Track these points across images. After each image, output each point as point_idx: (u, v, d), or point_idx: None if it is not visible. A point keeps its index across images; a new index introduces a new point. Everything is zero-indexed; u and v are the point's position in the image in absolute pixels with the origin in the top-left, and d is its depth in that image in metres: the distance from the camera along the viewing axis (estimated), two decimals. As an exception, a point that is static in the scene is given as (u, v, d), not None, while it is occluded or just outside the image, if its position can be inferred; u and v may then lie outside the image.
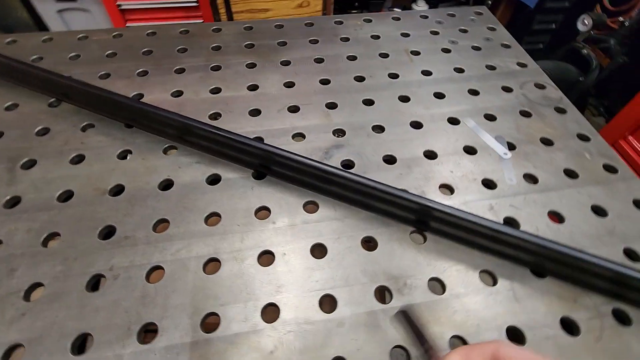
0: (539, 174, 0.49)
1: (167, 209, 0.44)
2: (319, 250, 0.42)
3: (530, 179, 0.49)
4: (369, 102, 0.58)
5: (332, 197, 0.46)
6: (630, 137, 1.18)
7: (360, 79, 0.62)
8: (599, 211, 0.46)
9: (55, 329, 0.35)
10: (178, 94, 0.58)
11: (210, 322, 0.37)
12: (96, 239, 0.42)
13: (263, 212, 0.45)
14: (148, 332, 0.36)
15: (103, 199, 0.45)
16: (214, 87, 0.59)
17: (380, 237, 0.43)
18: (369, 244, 0.43)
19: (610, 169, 0.50)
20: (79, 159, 0.49)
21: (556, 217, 0.45)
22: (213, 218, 0.44)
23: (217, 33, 0.69)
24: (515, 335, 0.37)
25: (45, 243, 0.41)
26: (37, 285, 0.38)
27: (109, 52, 0.64)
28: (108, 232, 0.43)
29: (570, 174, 0.49)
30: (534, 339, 0.36)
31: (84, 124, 0.53)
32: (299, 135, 0.53)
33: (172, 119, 0.48)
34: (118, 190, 0.46)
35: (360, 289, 0.39)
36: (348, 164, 0.50)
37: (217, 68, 0.62)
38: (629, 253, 0.42)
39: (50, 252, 0.40)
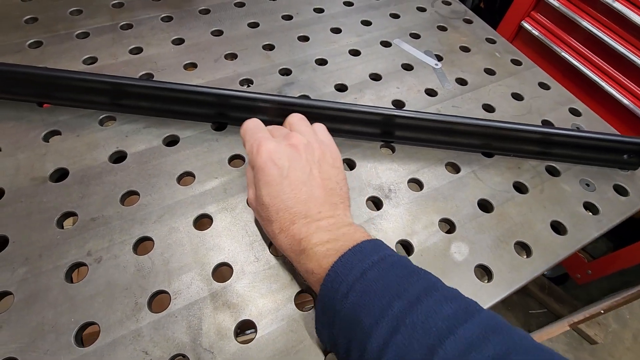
0: (467, 76, 0.56)
1: (130, 180, 0.40)
2: (304, 181, 0.43)
3: (461, 81, 0.55)
4: (304, 39, 0.58)
5: (300, 131, 0.46)
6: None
7: (287, 17, 0.61)
8: (517, 97, 0.54)
9: (47, 329, 0.31)
10: (92, 60, 0.50)
11: (221, 273, 0.36)
12: (56, 229, 0.36)
13: (236, 160, 0.44)
14: (161, 300, 0.34)
15: (46, 186, 0.39)
16: (133, 47, 0.52)
17: (355, 156, 0.45)
18: (348, 164, 0.45)
19: (516, 62, 0.59)
20: (-8, 152, 0.41)
21: (489, 108, 0.53)
22: (186, 178, 0.42)
23: (111, -11, 0.60)
24: (484, 206, 0.43)
25: (-9, 250, 0.35)
26: (3, 294, 0.32)
27: (-23, 25, 0.52)
28: (68, 220, 0.38)
29: (489, 71, 0.57)
30: (498, 204, 0.43)
31: (-19, 112, 0.43)
32: (247, 81, 0.51)
33: (100, 82, 0.42)
34: (61, 174, 0.40)
35: (353, 204, 0.41)
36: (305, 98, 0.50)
37: (128, 27, 0.55)
38: (546, 122, 0.52)
39: (2, 258, 0.34)
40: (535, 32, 1.22)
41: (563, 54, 1.16)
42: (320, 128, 0.38)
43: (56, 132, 0.43)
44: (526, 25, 1.25)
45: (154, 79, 0.49)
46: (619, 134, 0.49)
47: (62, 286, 0.33)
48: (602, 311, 0.97)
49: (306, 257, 0.30)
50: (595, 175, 0.47)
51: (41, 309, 0.32)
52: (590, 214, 0.44)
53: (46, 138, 0.43)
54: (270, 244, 0.37)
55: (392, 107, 0.51)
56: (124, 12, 0.57)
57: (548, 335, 1.05)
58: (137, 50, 0.52)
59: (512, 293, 0.37)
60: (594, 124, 0.53)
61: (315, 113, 0.45)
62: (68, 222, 0.37)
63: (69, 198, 0.38)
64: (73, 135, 0.43)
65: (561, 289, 1.43)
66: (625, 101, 1.05)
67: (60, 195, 0.38)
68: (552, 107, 0.54)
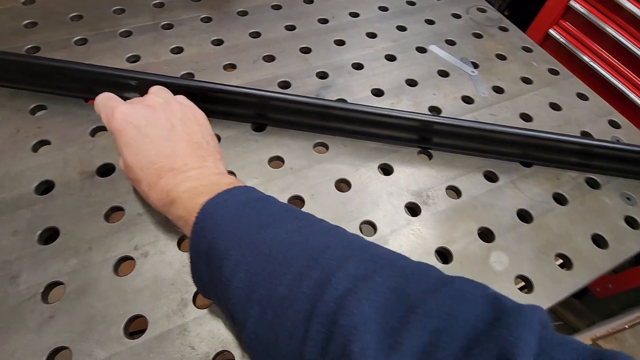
0: (503, 84, 0.55)
1: (173, 178, 0.41)
2: (343, 185, 0.43)
3: (498, 90, 0.55)
4: (340, 43, 0.58)
5: (338, 134, 0.46)
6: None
7: (323, 21, 0.61)
8: (554, 107, 0.54)
9: (97, 321, 0.32)
10: (135, 59, 0.52)
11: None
12: (105, 223, 0.37)
13: (275, 161, 0.44)
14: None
15: (94, 181, 0.40)
16: (174, 46, 0.53)
17: (393, 162, 0.45)
18: (385, 169, 0.45)
19: (553, 72, 0.59)
20: (42, 145, 0.42)
21: (527, 117, 0.52)
22: (226, 177, 0.42)
23: (151, -11, 0.62)
24: (523, 216, 0.43)
25: (43, 241, 0.36)
26: (55, 284, 0.33)
27: (26, 22, 0.53)
28: (116, 215, 0.38)
29: (526, 80, 0.57)
30: (538, 214, 0.43)
31: (31, 106, 0.45)
32: (284, 83, 0.51)
33: (139, 79, 0.43)
34: (107, 169, 0.41)
35: (391, 209, 0.41)
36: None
37: (169, 26, 0.56)
38: (585, 134, 0.51)
39: (54, 248, 0.35)
40: (563, 40, 1.21)
41: (590, 62, 1.14)
42: (180, 96, 0.38)
43: (102, 128, 0.44)
44: (554, 33, 1.24)
45: (195, 79, 0.50)
46: (661, 148, 0.48)
47: (110, 279, 0.34)
48: (627, 327, 0.95)
49: (175, 206, 0.30)
50: (636, 190, 0.46)
51: (91, 300, 0.33)
52: (631, 228, 0.43)
53: (92, 133, 0.44)
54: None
55: (429, 113, 0.50)
56: (164, 12, 0.58)
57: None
58: (178, 50, 0.53)
59: (555, 305, 0.37)
60: (633, 137, 0.52)
61: (353, 117, 0.45)
62: (116, 217, 0.38)
63: (116, 193, 0.39)
64: (118, 131, 0.44)
65: (579, 302, 1.41)
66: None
67: (107, 190, 0.39)
68: (590, 118, 0.53)
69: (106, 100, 0.35)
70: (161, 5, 0.59)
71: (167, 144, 0.32)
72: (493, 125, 0.45)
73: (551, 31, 1.24)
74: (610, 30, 1.06)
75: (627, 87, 1.08)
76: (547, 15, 1.25)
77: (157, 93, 0.36)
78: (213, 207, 0.28)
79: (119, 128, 0.32)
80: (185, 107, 0.36)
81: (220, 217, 0.27)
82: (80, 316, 0.32)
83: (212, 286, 0.28)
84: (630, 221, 0.43)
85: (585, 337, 1.00)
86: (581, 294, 1.43)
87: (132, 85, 0.43)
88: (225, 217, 0.27)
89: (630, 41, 1.03)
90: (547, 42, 1.29)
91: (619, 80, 1.09)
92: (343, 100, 0.50)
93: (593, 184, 0.46)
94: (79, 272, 0.34)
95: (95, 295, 0.33)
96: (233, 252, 0.25)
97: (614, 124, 0.53)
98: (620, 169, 0.46)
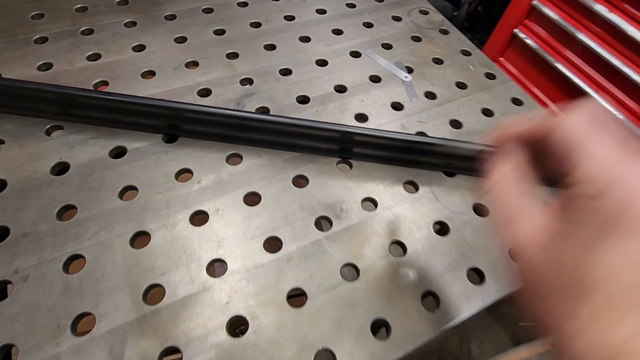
0: (436, 89, 0.54)
1: (69, 194, 0.39)
2: (252, 199, 0.41)
3: (430, 95, 0.53)
4: (270, 47, 0.56)
5: (254, 145, 0.45)
6: (500, 59, 1.36)
7: (256, 25, 0.59)
8: (487, 112, 0.53)
9: (-39, 353, 0.30)
10: (47, 67, 0.49)
11: (154, 295, 0.35)
12: (-14, 244, 0.35)
13: (184, 174, 0.42)
14: (86, 322, 0.32)
15: (-19, 199, 0.38)
16: (91, 53, 0.51)
17: (309, 173, 0.44)
18: (300, 181, 0.43)
19: (490, 76, 0.57)
20: None
21: (456, 124, 0.51)
22: (129, 192, 0.40)
23: (78, -8, 0.59)
24: (440, 228, 0.42)
25: None
26: None
27: None
28: (0, 235, 0.36)
29: (461, 85, 0.55)
30: (455, 226, 0.41)
31: None
32: (205, 91, 0.50)
33: (48, 91, 0.41)
34: (-1, 186, 0.39)
35: (300, 224, 0.40)
36: (263, 111, 0.49)
37: (89, 32, 0.54)
38: (514, 141, 0.50)
39: None
40: (529, 42, 1.20)
41: (557, 65, 1.13)
42: None
43: None
44: (520, 34, 1.23)
45: (108, 87, 0.48)
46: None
47: (-18, 306, 0.32)
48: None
49: None
50: (561, 198, 0.45)
51: (-43, 330, 0.31)
52: (552, 239, 0.42)
53: (-11, 148, 0.41)
54: (209, 265, 0.36)
55: (355, 121, 0.49)
56: (86, 17, 0.55)
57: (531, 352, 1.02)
58: (96, 57, 0.51)
59: (460, 322, 0.35)
60: (565, 142, 0.51)
61: (269, 128, 0.43)
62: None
63: (3, 212, 0.37)
64: (17, 145, 0.42)
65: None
66: (620, 116, 1.03)
67: (-6, 209, 0.37)
68: (522, 124, 0.52)
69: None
70: (84, 9, 0.57)
71: None
72: (412, 135, 0.43)
73: (517, 31, 1.23)
74: (578, 34, 1.06)
75: (592, 88, 1.08)
76: (512, 14, 1.24)
77: None
78: None
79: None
80: None
81: None
82: (-58, 348, 0.30)
83: None
84: (550, 231, 0.42)
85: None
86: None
87: (48, 99, 0.41)
88: None
89: (600, 45, 1.02)
90: (514, 44, 1.28)
91: (584, 82, 1.09)
92: (265, 109, 0.49)
93: (516, 193, 0.45)
94: (-53, 299, 0.32)
95: (-37, 324, 0.31)
96: None
97: (546, 130, 0.52)
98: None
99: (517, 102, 0.54)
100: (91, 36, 0.53)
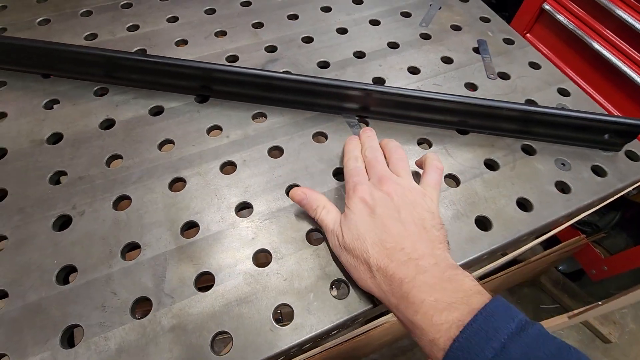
0: (453, 55, 0.56)
1: (116, 145, 0.44)
2: (276, 152, 0.45)
3: (447, 60, 0.55)
4: (293, 17, 0.59)
5: (277, 105, 0.48)
6: (528, 35, 1.32)
7: (280, -4, 0.62)
8: (503, 76, 0.54)
9: (32, 269, 0.35)
10: (92, 37, 0.54)
11: (189, 231, 0.39)
12: (48, 185, 0.41)
13: (215, 131, 0.47)
14: (133, 251, 0.38)
15: (42, 148, 0.43)
16: (130, 24, 0.56)
17: (328, 130, 0.47)
18: (320, 137, 0.47)
19: (508, 41, 0.58)
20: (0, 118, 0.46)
21: (471, 87, 0.52)
22: (167, 145, 0.45)
23: (117, -29, 0.64)
24: (450, 181, 0.44)
25: (-9, 200, 0.40)
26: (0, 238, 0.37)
27: (-4, 4, 0.57)
28: (59, 178, 0.42)
29: (477, 50, 0.57)
30: (465, 179, 0.43)
31: (-7, 82, 0.48)
32: (232, 57, 0.53)
33: (95, 55, 0.46)
34: (56, 138, 0.45)
35: (319, 174, 0.43)
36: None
37: (128, 5, 0.59)
38: (529, 102, 0.51)
39: (1, 206, 0.39)
40: (560, 17, 1.16)
41: (590, 40, 1.10)
42: (411, 184, 0.38)
43: (55, 101, 0.47)
44: (548, 8, 1.20)
45: (145, 54, 0.52)
46: (605, 113, 0.48)
47: (48, 233, 0.37)
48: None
49: (411, 307, 0.28)
50: (573, 155, 0.46)
51: (29, 251, 0.36)
52: (562, 192, 0.43)
53: (47, 106, 0.47)
54: (240, 208, 0.40)
55: (371, 83, 0.51)
56: (125, -8, 0.60)
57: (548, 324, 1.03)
58: (134, 28, 0.56)
59: (466, 263, 0.38)
60: (582, 103, 0.51)
61: (293, 87, 0.46)
62: (60, 180, 0.41)
63: (61, 159, 0.42)
64: (70, 104, 0.47)
65: (575, 285, 1.39)
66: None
67: (53, 156, 0.43)
68: (539, 86, 0.53)
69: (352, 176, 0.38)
70: (123, -15, 0.61)
71: (397, 224, 0.33)
72: (428, 92, 0.45)
73: (545, 5, 1.20)
74: (615, 9, 1.02)
75: (628, 65, 1.04)
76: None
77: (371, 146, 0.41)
78: (477, 337, 0.24)
79: (355, 204, 0.35)
80: (415, 193, 0.36)
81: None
82: (18, 265, 0.35)
83: None
84: (561, 186, 0.44)
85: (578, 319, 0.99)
86: (577, 277, 1.41)
87: (95, 62, 0.46)
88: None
89: (636, 18, 0.98)
90: (542, 19, 1.25)
91: (620, 59, 1.05)
92: (288, 72, 0.52)
93: (528, 150, 0.46)
94: (20, 227, 0.38)
95: (33, 247, 0.37)
96: None
97: (563, 92, 0.52)
98: (556, 135, 0.46)
99: (534, 65, 0.55)
100: (130, 9, 0.58)
